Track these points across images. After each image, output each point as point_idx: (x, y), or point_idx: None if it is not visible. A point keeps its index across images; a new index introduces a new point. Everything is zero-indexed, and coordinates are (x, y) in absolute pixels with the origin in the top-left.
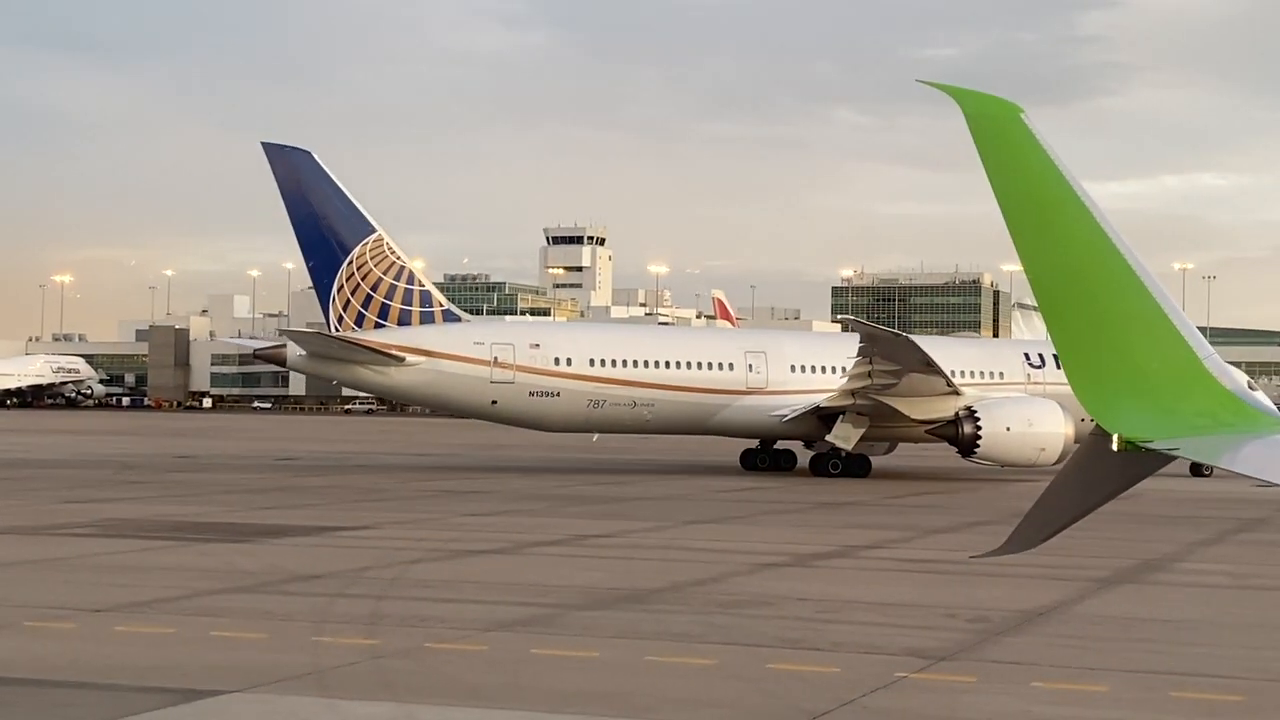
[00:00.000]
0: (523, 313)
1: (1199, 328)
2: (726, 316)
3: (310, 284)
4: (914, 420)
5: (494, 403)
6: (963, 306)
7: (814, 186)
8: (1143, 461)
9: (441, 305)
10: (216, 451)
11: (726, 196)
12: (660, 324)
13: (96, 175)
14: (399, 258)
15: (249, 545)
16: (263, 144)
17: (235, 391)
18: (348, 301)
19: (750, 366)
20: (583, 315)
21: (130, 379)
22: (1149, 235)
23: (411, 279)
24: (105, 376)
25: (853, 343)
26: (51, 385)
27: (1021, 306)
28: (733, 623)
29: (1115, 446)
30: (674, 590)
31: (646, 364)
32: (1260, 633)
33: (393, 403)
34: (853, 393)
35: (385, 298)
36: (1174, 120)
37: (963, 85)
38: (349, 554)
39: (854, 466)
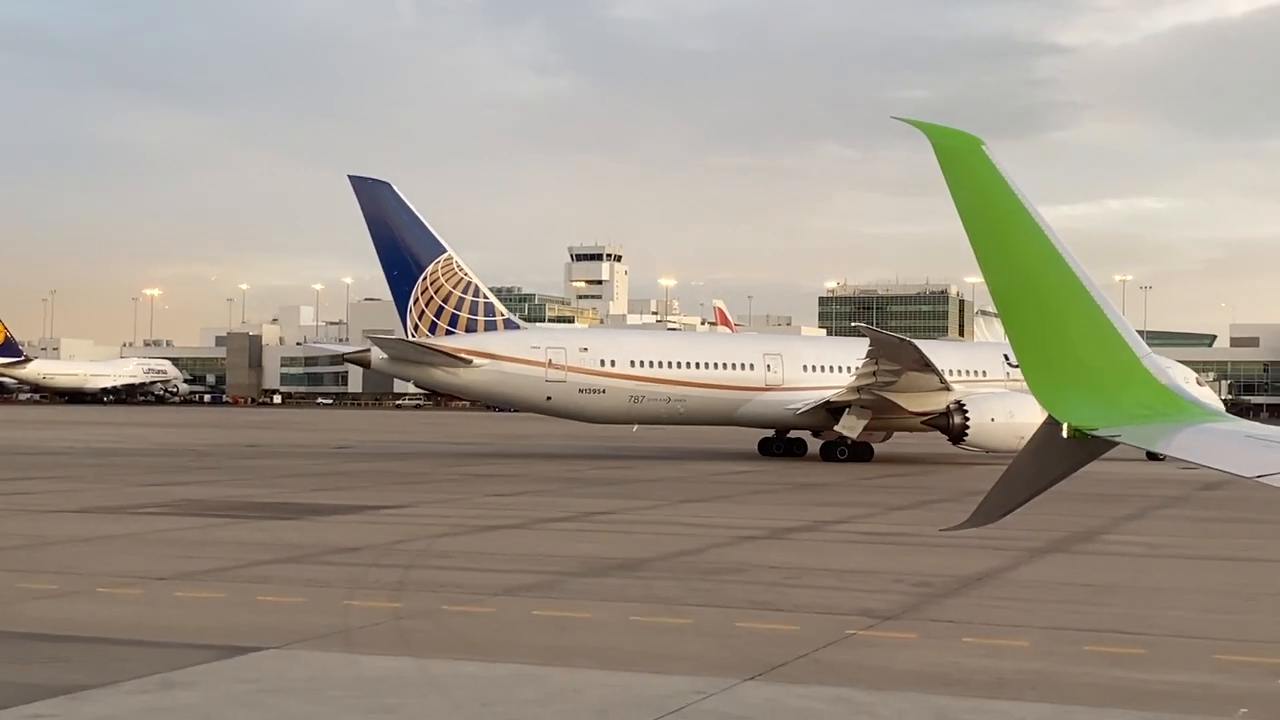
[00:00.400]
0: (550, 321)
1: (1138, 331)
2: (726, 322)
3: (366, 296)
4: (911, 412)
5: (549, 399)
6: (932, 313)
7: (803, 210)
8: (1089, 447)
9: (502, 315)
10: (281, 441)
11: (727, 218)
12: (669, 329)
13: (181, 203)
14: (466, 274)
15: (299, 522)
16: (349, 177)
17: (301, 389)
18: (422, 312)
19: (768, 367)
20: (602, 323)
21: (211, 379)
22: (1095, 251)
23: (477, 292)
24: (189, 377)
25: (855, 347)
26: (143, 384)
27: (984, 313)
28: (710, 587)
29: (1065, 433)
30: (662, 560)
31: (679, 365)
32: (1166, 595)
33: (437, 398)
34: (859, 388)
35: (455, 309)
36: (1117, 151)
37: (932, 121)
38: (385, 529)
39: (859, 452)
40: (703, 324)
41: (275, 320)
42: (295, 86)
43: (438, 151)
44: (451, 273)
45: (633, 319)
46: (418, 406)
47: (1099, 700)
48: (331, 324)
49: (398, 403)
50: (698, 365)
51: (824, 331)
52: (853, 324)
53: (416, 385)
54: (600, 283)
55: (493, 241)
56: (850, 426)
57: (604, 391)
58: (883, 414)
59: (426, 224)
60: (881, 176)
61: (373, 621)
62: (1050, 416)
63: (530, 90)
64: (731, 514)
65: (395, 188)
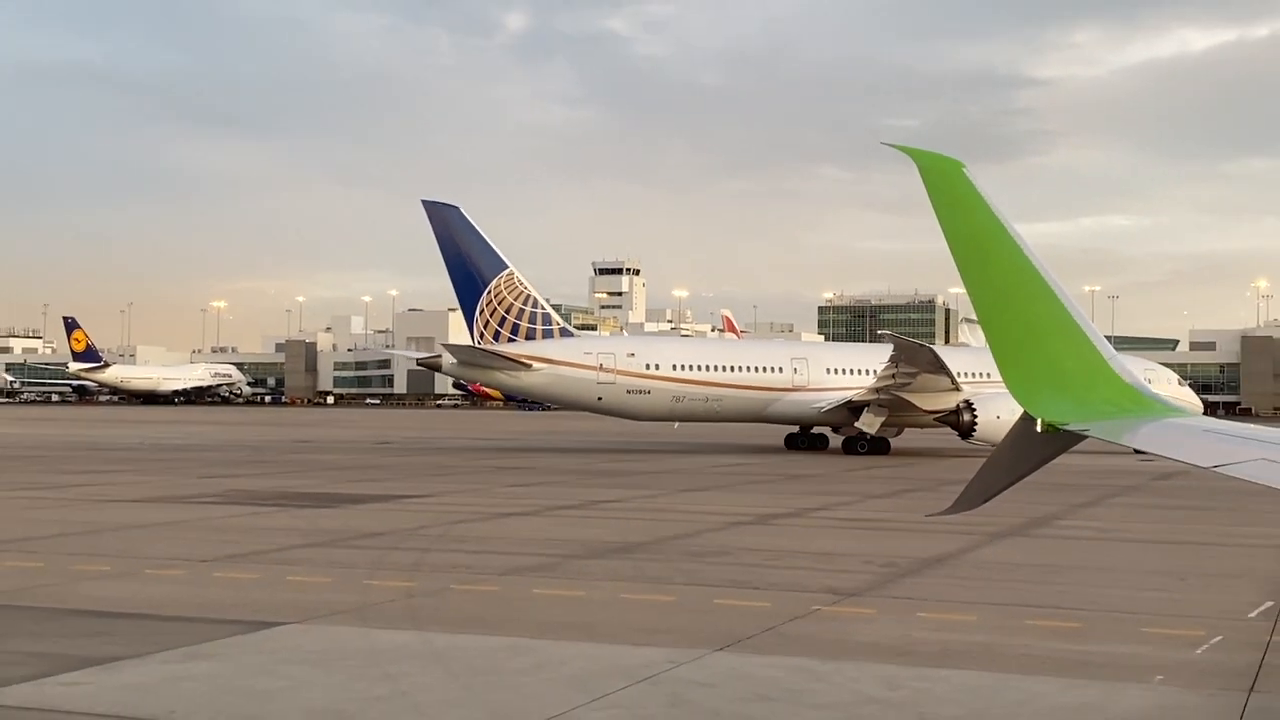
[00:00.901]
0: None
1: (1106, 336)
2: (733, 329)
3: (410, 307)
4: (925, 410)
5: (599, 399)
6: (921, 321)
7: (803, 227)
8: (1061, 440)
9: (558, 324)
10: (330, 437)
11: (734, 236)
12: (683, 336)
13: (244, 223)
14: (526, 288)
15: (333, 510)
16: (422, 201)
17: (352, 391)
18: (487, 321)
19: (795, 370)
20: (622, 330)
21: (271, 382)
22: (1068, 264)
23: (536, 304)
24: (252, 380)
25: (871, 352)
26: (210, 387)
27: (969, 321)
28: (695, 568)
29: (1039, 428)
30: (655, 543)
31: (716, 368)
32: (1108, 574)
33: (473, 398)
34: (878, 389)
35: (516, 319)
36: (1089, 174)
37: (920, 147)
38: (409, 516)
39: (877, 446)
40: (712, 331)
41: (329, 329)
42: (344, 117)
43: (473, 176)
44: (513, 286)
45: (650, 327)
46: (455, 406)
47: (1033, 669)
48: (379, 332)
49: (438, 402)
50: (732, 368)
51: (823, 338)
52: (879, 332)
53: (483, 386)
54: (620, 294)
55: (523, 257)
56: (869, 423)
57: (649, 392)
58: (899, 412)
59: (490, 243)
60: (874, 196)
61: (387, 599)
62: (1026, 413)
63: (558, 121)
64: (725, 502)
65: (463, 210)
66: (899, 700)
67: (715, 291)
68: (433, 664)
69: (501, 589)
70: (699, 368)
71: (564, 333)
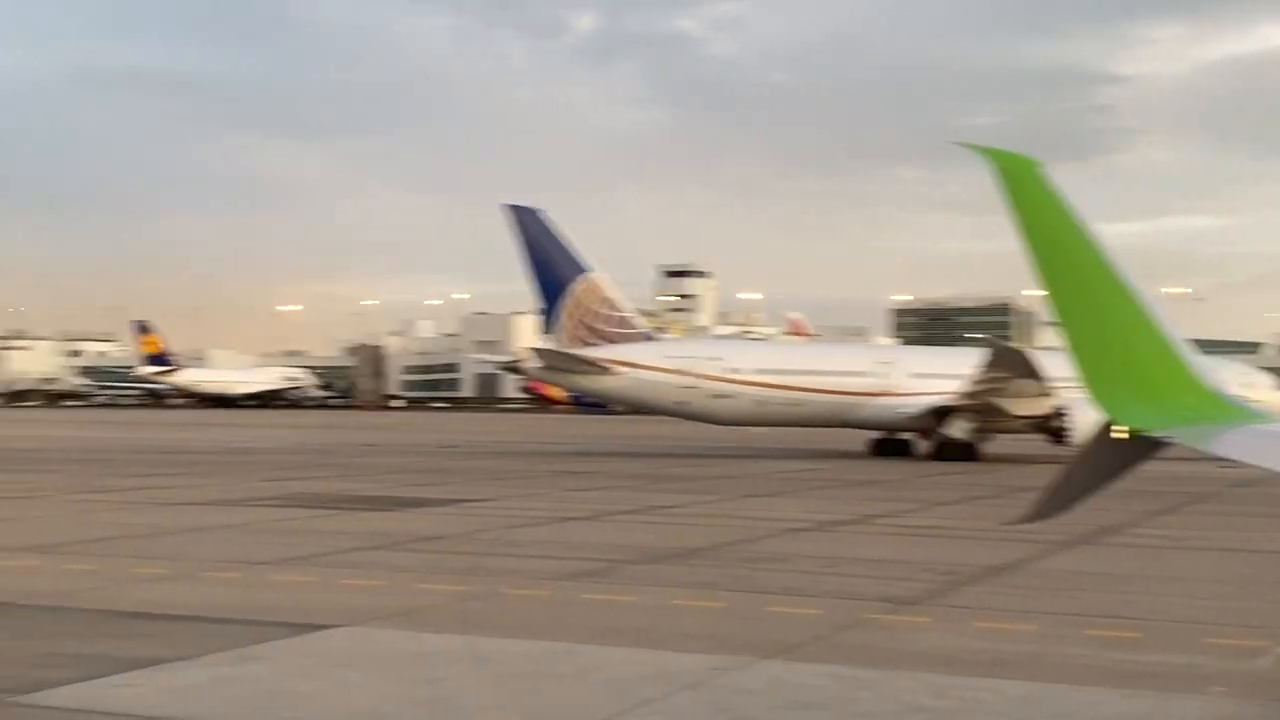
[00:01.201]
0: None
1: (1187, 340)
2: (803, 333)
3: (477, 310)
4: (1016, 416)
5: (682, 403)
6: (997, 325)
7: (877, 229)
8: (1141, 447)
9: (640, 328)
10: (395, 441)
11: (805, 238)
12: (754, 339)
13: (313, 228)
14: (608, 291)
15: (393, 513)
16: (504, 205)
17: (419, 394)
18: (569, 325)
19: (881, 374)
20: (690, 334)
21: (341, 385)
22: (1151, 266)
23: (617, 308)
24: (321, 383)
25: (958, 356)
26: (280, 390)
27: (1046, 323)
28: (749, 575)
29: (1120, 435)
30: (711, 549)
31: (801, 373)
32: (1175, 584)
33: (540, 402)
34: (968, 393)
35: (598, 323)
36: (1170, 172)
37: (999, 146)
38: (467, 520)
39: (966, 452)
40: (783, 333)
41: (397, 332)
42: (413, 122)
43: (541, 178)
44: (594, 290)
45: (718, 330)
46: (522, 410)
47: (1087, 679)
48: (447, 335)
49: (504, 406)
50: (817, 373)
51: (896, 341)
52: (972, 335)
53: (565, 390)
54: (688, 297)
55: (592, 260)
56: (958, 429)
57: (732, 397)
58: (989, 417)
59: (572, 246)
60: (951, 197)
61: (438, 603)
62: (1106, 420)
63: (626, 123)
64: (787, 508)
65: (545, 213)
66: (945, 709)
67: (785, 294)
68: (477, 668)
69: (552, 593)
70: (783, 372)
71: (646, 336)
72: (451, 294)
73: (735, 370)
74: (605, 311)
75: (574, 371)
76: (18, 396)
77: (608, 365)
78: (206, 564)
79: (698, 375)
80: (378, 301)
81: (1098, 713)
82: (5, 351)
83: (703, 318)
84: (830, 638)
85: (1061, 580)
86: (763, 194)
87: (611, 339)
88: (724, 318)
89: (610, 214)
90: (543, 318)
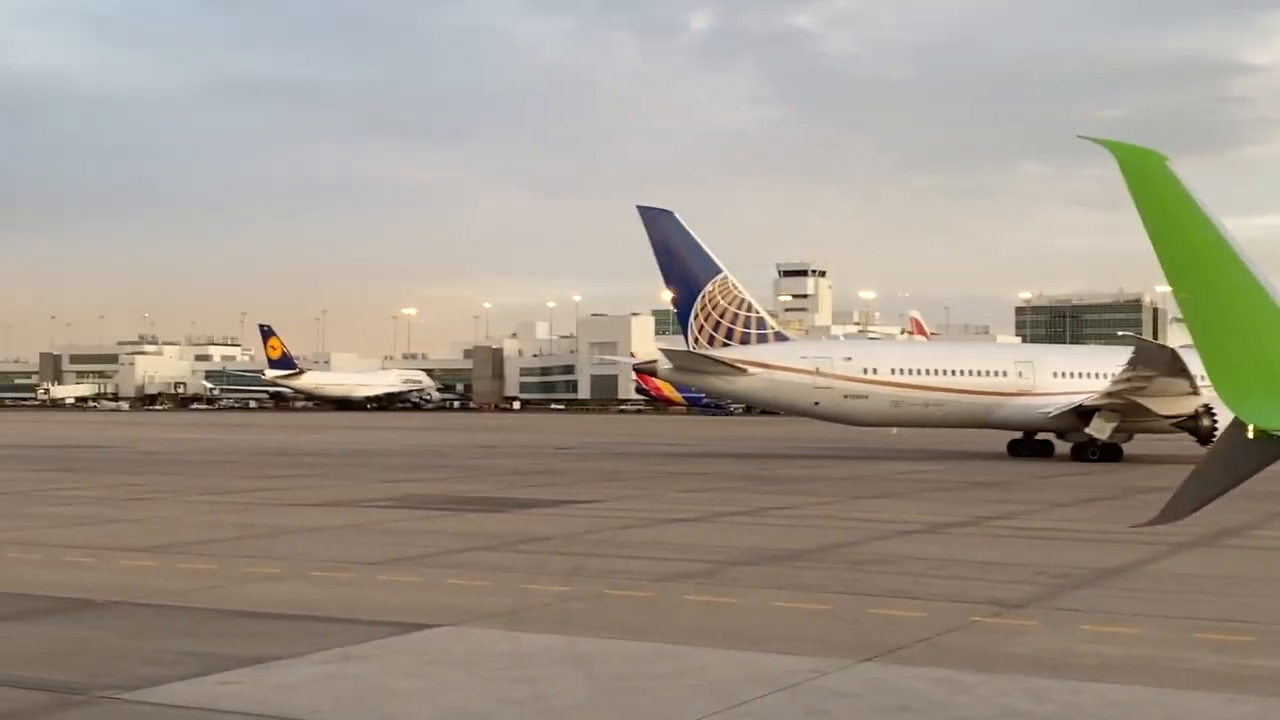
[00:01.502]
0: None
1: None
2: (921, 332)
3: (593, 312)
4: (1161, 415)
5: (816, 404)
6: (1125, 322)
7: (999, 225)
8: (1274, 447)
9: (773, 329)
10: (512, 443)
11: (925, 235)
12: (871, 339)
13: (433, 232)
14: (740, 292)
15: (503, 514)
16: (638, 206)
17: (537, 396)
18: (702, 326)
19: (1020, 373)
20: (807, 334)
21: (460, 387)
22: None
23: (750, 308)
24: (441, 386)
25: (1099, 355)
26: (401, 393)
27: (1177, 320)
28: (854, 577)
29: (1250, 434)
30: (818, 551)
31: (937, 372)
32: None
33: (658, 403)
34: (1112, 393)
35: (730, 323)
36: None
37: (1129, 141)
38: (575, 521)
39: (1109, 453)
40: (901, 333)
41: (514, 335)
42: (530, 124)
43: (658, 178)
44: (727, 291)
45: (836, 329)
46: (639, 411)
47: (1192, 684)
48: (563, 337)
49: (621, 407)
50: (954, 372)
51: (1020, 339)
52: (1119, 334)
53: (698, 392)
54: (805, 296)
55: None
56: (1100, 429)
57: (867, 397)
58: (1133, 417)
59: (704, 247)
60: (1077, 192)
61: (541, 603)
62: (1237, 418)
63: (742, 120)
64: (899, 510)
65: (677, 215)
66: (1045, 714)
67: (904, 292)
68: (575, 668)
69: (655, 594)
70: (919, 371)
71: (778, 337)
72: (568, 295)
73: (870, 370)
74: (738, 312)
75: (707, 372)
76: (148, 400)
77: (743, 366)
78: (318, 564)
79: (833, 375)
80: (495, 304)
81: (1201, 717)
82: (135, 356)
83: (820, 317)
84: (935, 640)
85: (1175, 583)
86: (881, 190)
87: (744, 339)
88: (841, 317)
89: (727, 212)
90: (677, 319)
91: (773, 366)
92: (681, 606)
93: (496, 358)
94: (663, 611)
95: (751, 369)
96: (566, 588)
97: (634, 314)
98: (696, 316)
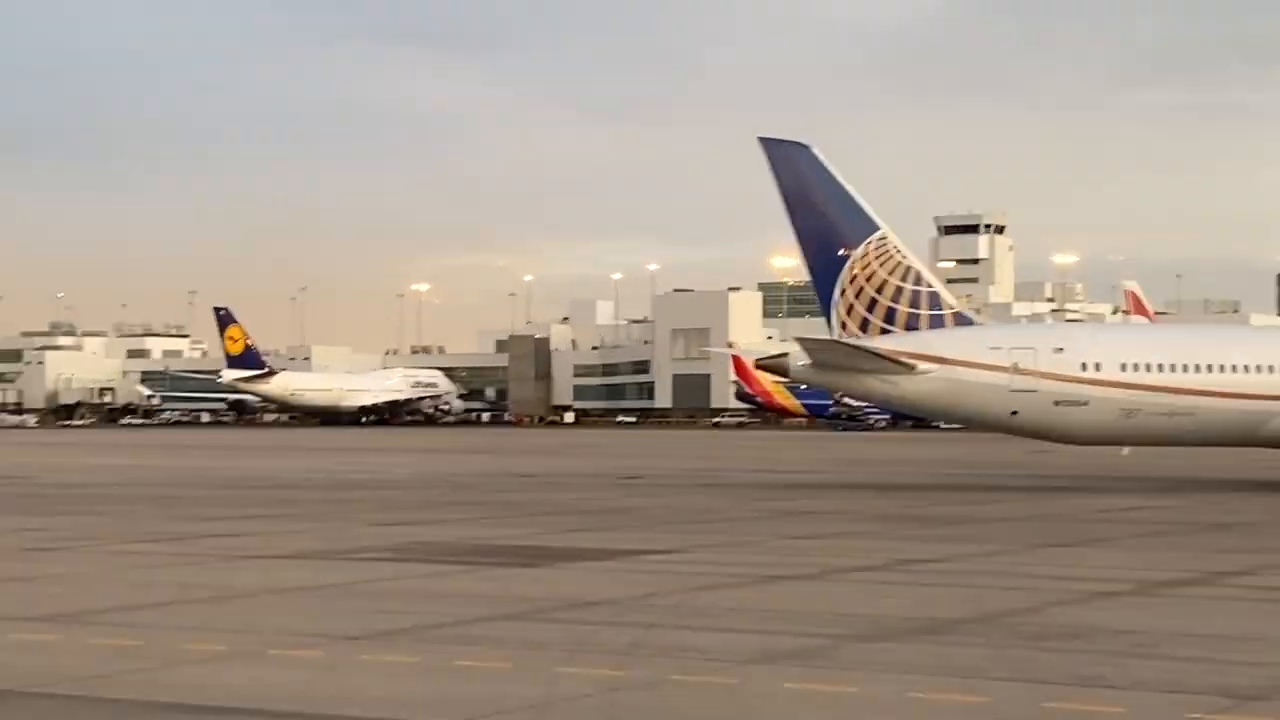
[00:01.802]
0: None
1: None
2: (1142, 310)
3: (676, 287)
4: None
5: (1014, 413)
6: None
7: (1263, 161)
8: None
9: (952, 307)
10: (561, 470)
11: (1150, 175)
12: (1070, 320)
13: (459, 177)
14: (905, 257)
15: (537, 570)
16: (760, 139)
17: (599, 404)
18: (851, 306)
19: None
20: (978, 312)
21: (490, 393)
22: None
23: (919, 280)
24: (464, 391)
25: None
26: (409, 401)
27: None
28: (1028, 657)
29: None
30: (978, 621)
31: (1187, 368)
32: None
33: (767, 415)
34: None
35: (891, 300)
36: None
37: None
38: (637, 579)
39: None
40: (1114, 313)
41: (566, 319)
42: (596, 28)
43: (772, 98)
44: (887, 256)
45: (1019, 308)
46: (740, 425)
47: None
48: (634, 322)
49: (716, 420)
50: (1212, 368)
51: None
52: None
53: (848, 397)
54: (976, 262)
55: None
56: None
57: (1087, 403)
58: None
59: (855, 195)
60: None
61: (581, 693)
62: None
63: (891, 19)
64: (1096, 561)
65: (816, 151)
66: None
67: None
68: None
69: (742, 682)
70: (1161, 368)
71: (959, 319)
72: (640, 263)
73: (1093, 366)
74: (902, 285)
75: (859, 370)
76: (63, 412)
77: (908, 361)
78: (278, 638)
79: (1038, 374)
80: (539, 276)
81: None
82: (45, 352)
83: (998, 290)
84: None
85: None
86: (1087, 112)
87: (911, 323)
88: (1027, 290)
89: (868, 144)
90: (816, 296)
91: (953, 361)
92: (775, 698)
93: (541, 351)
94: (746, 706)
95: (922, 365)
96: (618, 672)
97: (732, 289)
98: (845, 292)
